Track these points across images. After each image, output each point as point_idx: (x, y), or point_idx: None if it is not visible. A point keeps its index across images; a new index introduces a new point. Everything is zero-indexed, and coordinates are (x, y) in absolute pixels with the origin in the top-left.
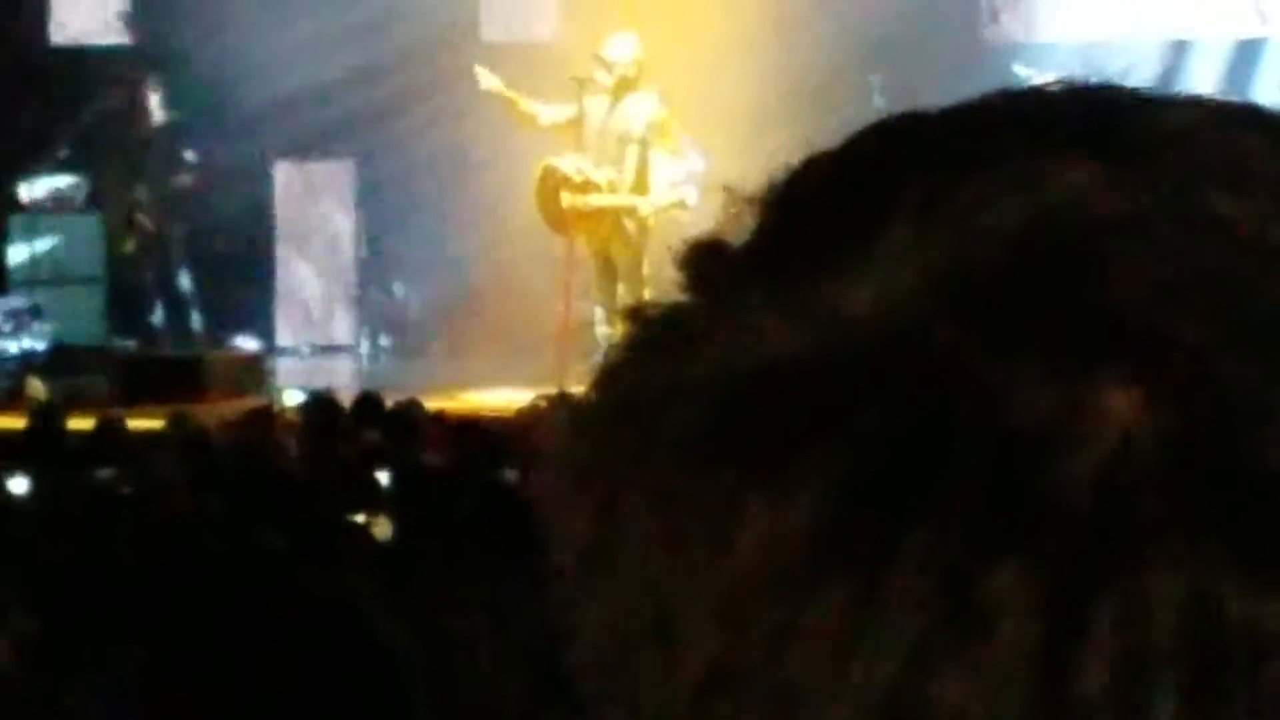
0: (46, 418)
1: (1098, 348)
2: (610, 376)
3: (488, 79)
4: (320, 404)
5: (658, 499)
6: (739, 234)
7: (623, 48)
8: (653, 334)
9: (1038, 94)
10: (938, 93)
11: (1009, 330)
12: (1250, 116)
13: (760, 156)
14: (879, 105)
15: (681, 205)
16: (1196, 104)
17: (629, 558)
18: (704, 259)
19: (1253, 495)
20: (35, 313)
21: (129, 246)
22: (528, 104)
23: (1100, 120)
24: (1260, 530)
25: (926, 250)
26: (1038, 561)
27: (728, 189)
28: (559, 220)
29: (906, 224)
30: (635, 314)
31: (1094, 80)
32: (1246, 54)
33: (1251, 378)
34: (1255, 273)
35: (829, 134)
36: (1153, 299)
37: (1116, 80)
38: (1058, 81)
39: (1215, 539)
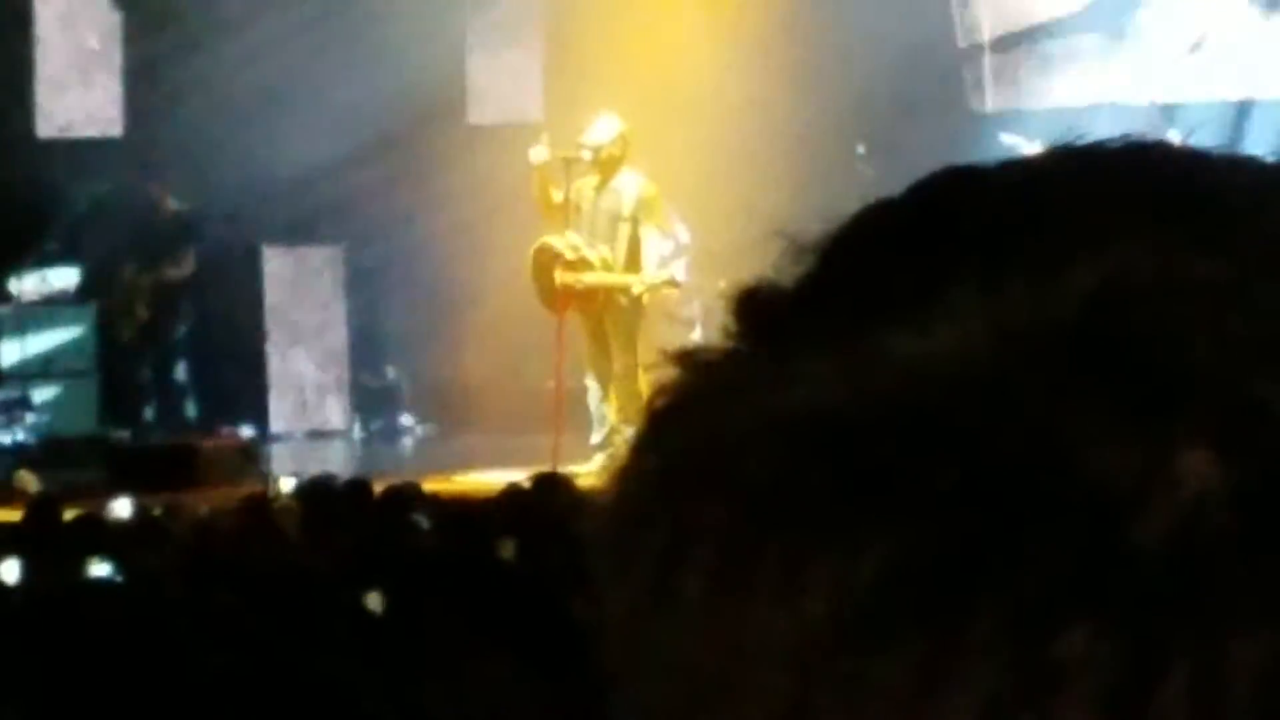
0: (41, 508)
1: (1175, 408)
2: (668, 422)
3: (538, 154)
4: (314, 489)
5: (725, 547)
6: (788, 282)
7: (604, 130)
8: (709, 380)
9: (1098, 152)
10: (924, 162)
11: (1086, 388)
12: None
13: (748, 229)
14: (866, 175)
15: (673, 283)
16: (1253, 165)
17: (694, 606)
18: (757, 306)
19: None
20: (26, 404)
21: (120, 337)
22: (551, 185)
23: (1164, 179)
24: None
25: (998, 303)
26: (1112, 623)
27: (782, 234)
28: (553, 298)
29: (974, 277)
30: (686, 359)
31: (1149, 139)
32: (1235, 116)
33: None
34: None
35: (816, 204)
36: (1231, 359)
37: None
38: (1118, 140)
39: None
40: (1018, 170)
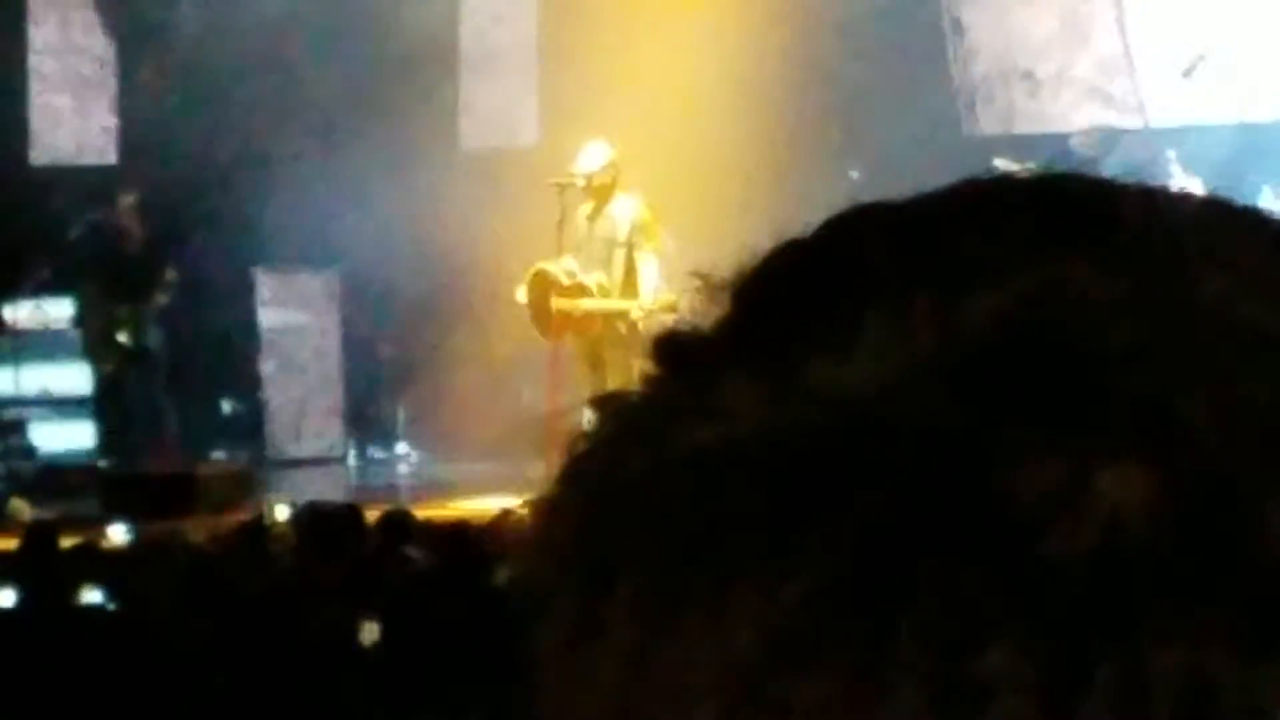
0: (37, 536)
1: (1094, 424)
2: (587, 460)
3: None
4: (308, 516)
5: (647, 580)
6: (709, 320)
7: (594, 156)
8: (629, 418)
9: (1006, 183)
10: (918, 186)
11: (1004, 407)
12: (1223, 205)
13: (741, 251)
14: (860, 199)
15: (671, 307)
16: (1154, 193)
17: (620, 638)
18: (676, 344)
19: (1247, 570)
20: (22, 433)
21: (114, 364)
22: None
23: (1067, 207)
24: (1254, 604)
25: (914, 329)
26: (1033, 639)
27: (699, 276)
28: (549, 324)
29: (886, 306)
30: (604, 402)
31: (1061, 169)
32: (1229, 140)
33: (1247, 456)
34: (1251, 354)
35: (811, 227)
36: (1149, 377)
37: (1088, 169)
38: (1025, 170)
39: (1209, 613)
40: (927, 204)
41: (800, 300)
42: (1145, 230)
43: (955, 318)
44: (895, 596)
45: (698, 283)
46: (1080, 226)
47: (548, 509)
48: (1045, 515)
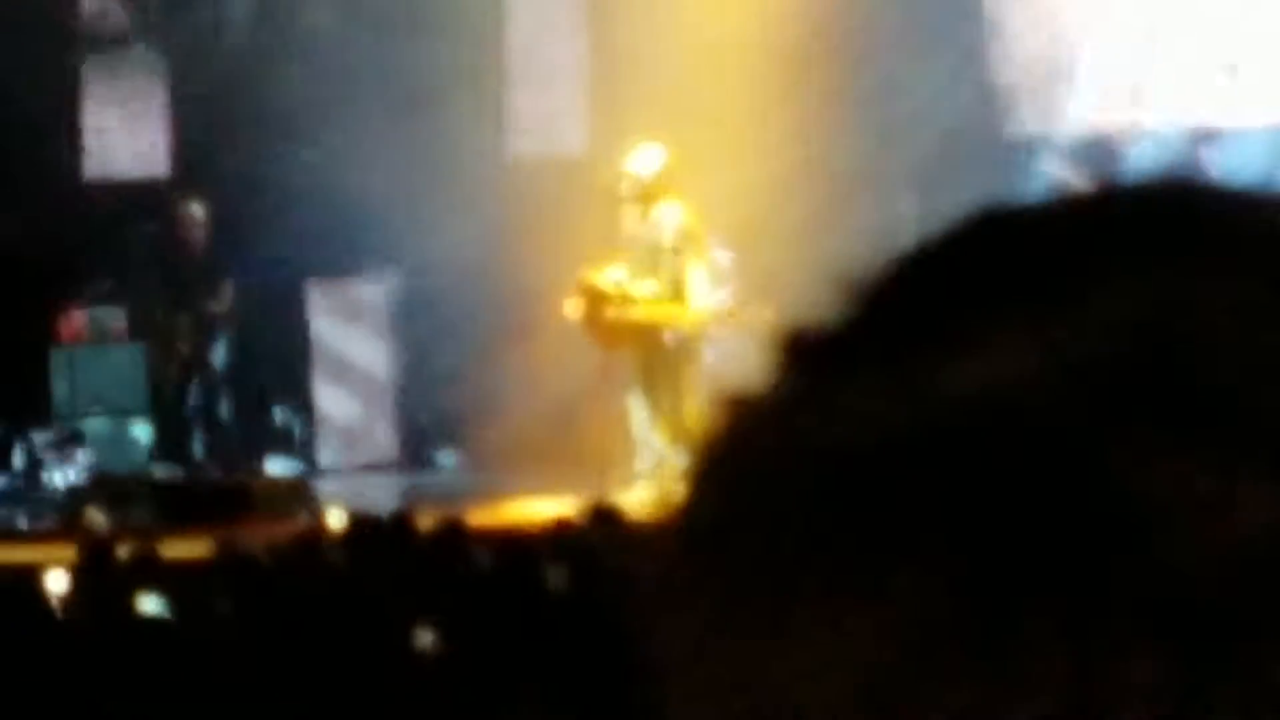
0: (96, 545)
1: (1230, 436)
2: (718, 462)
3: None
4: (363, 523)
5: (778, 588)
6: (838, 321)
7: (647, 160)
8: (759, 417)
9: (1137, 189)
10: (964, 190)
11: (1136, 412)
12: None
13: (790, 256)
14: (906, 202)
15: (721, 315)
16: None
17: (747, 646)
18: (806, 345)
19: None
20: (78, 443)
21: (169, 375)
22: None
23: (1206, 214)
24: None
25: (1047, 333)
26: (1167, 651)
27: (830, 279)
28: (599, 333)
29: (1021, 311)
30: (736, 399)
31: (1187, 174)
32: (1269, 142)
33: None
34: None
35: (859, 231)
36: None
37: (1127, 170)
38: (1155, 176)
39: None
40: (1058, 208)
41: (931, 303)
42: (1274, 238)
43: (1088, 323)
44: (1031, 603)
45: (748, 291)
46: (1212, 234)
47: (680, 506)
48: (1186, 531)
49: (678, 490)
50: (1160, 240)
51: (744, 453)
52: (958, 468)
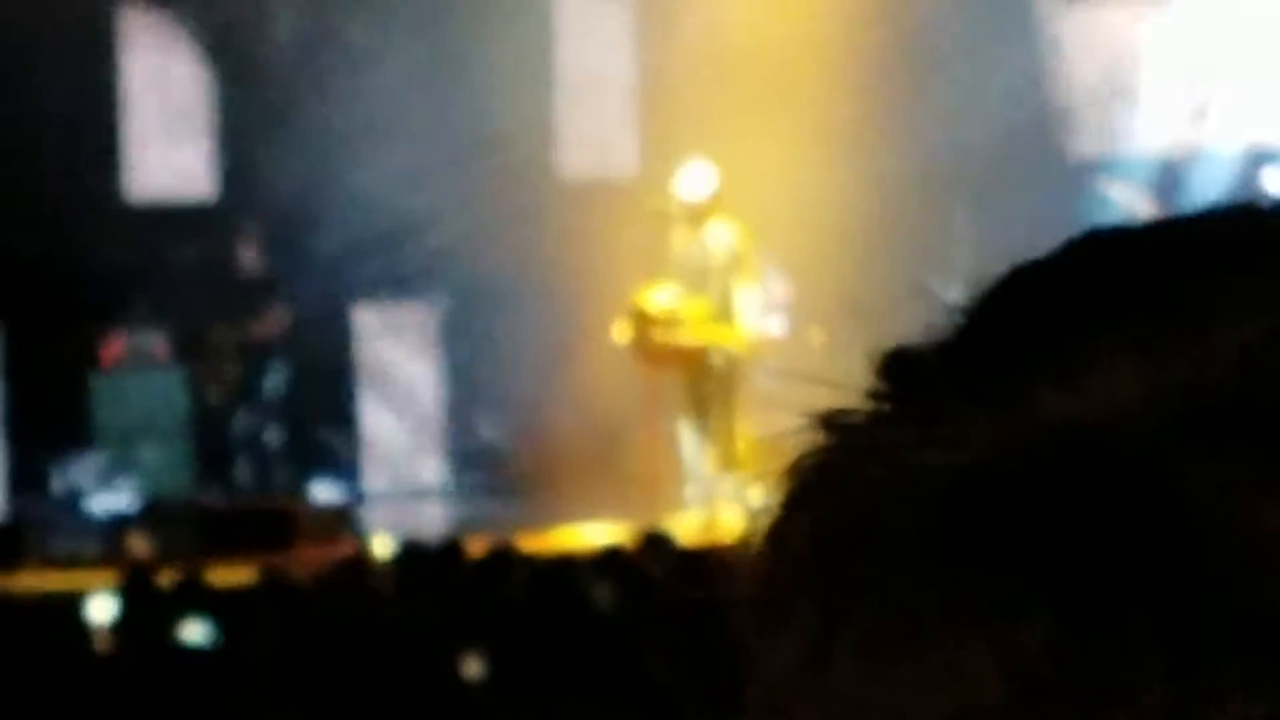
0: (139, 571)
1: None
2: (816, 484)
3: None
4: (410, 550)
5: (882, 611)
6: (938, 339)
7: (696, 181)
8: (857, 440)
9: (1255, 212)
10: (1020, 209)
11: (1245, 451)
12: None
13: (843, 278)
14: (961, 223)
15: (773, 339)
16: None
17: (850, 673)
18: (904, 365)
19: None
20: (121, 468)
21: (212, 398)
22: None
23: None
24: None
25: (1152, 362)
26: (1261, 691)
27: (924, 296)
28: (647, 355)
29: (1129, 336)
30: (832, 420)
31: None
32: None
33: None
34: None
35: (914, 253)
36: None
37: (1186, 190)
38: (1269, 200)
39: None
40: (1169, 231)
41: (1036, 324)
42: None
43: (1198, 354)
44: (1138, 645)
45: (799, 313)
46: None
47: (774, 533)
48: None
49: (758, 510)
50: (1275, 267)
51: (845, 475)
52: (1059, 503)
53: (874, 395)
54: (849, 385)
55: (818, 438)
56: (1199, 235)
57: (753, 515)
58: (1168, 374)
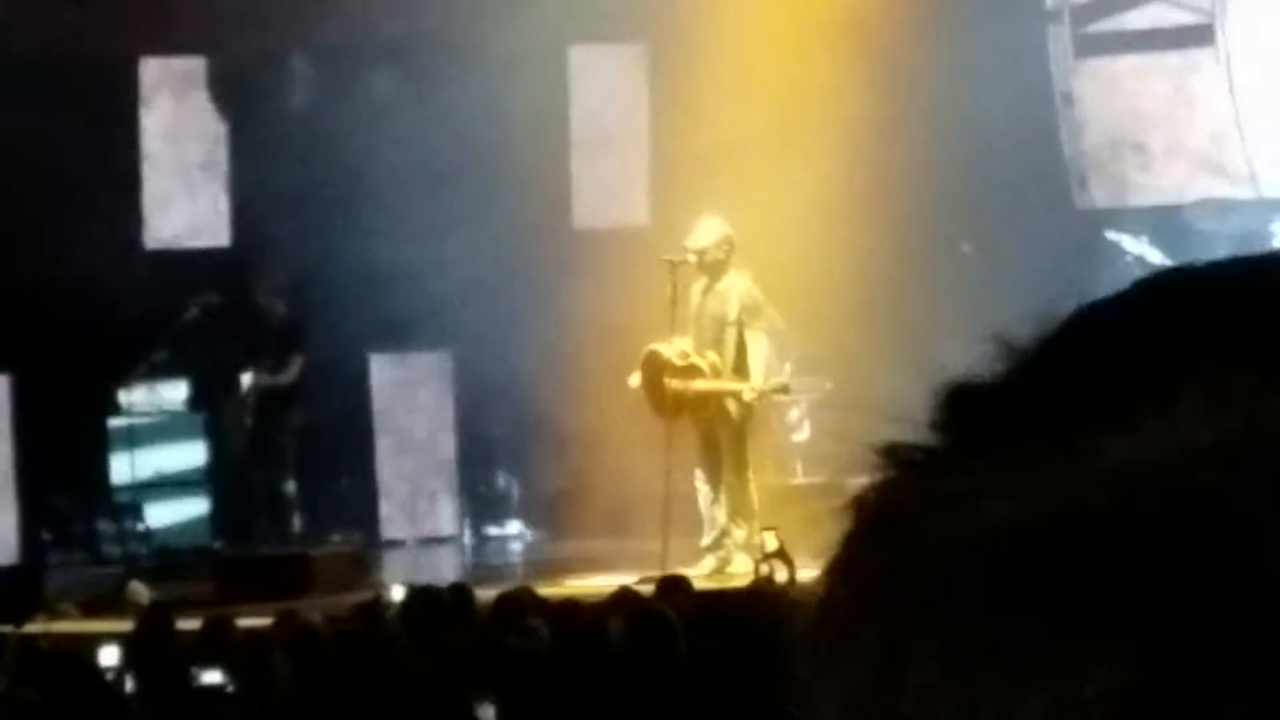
0: (154, 618)
1: None
2: (881, 523)
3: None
4: (423, 596)
5: (944, 658)
6: (996, 380)
7: (709, 233)
8: (922, 482)
9: None
10: (1030, 259)
11: None
12: None
13: (855, 328)
14: (971, 273)
15: (784, 389)
16: None
17: (911, 709)
18: (968, 404)
19: None
20: (138, 516)
21: (229, 447)
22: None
23: None
24: None
25: (1227, 411)
26: None
27: (995, 336)
28: (663, 404)
29: (1200, 381)
30: (894, 456)
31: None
32: None
33: None
34: None
35: (925, 303)
36: None
37: (1200, 242)
38: None
39: None
40: (1236, 273)
41: (1101, 366)
42: None
43: (1264, 404)
44: (1201, 699)
45: (811, 362)
46: None
47: (836, 573)
48: None
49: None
50: None
51: (913, 517)
52: (1123, 556)
53: (936, 430)
54: (904, 421)
55: (882, 472)
56: (1268, 279)
57: (765, 562)
58: (1235, 424)
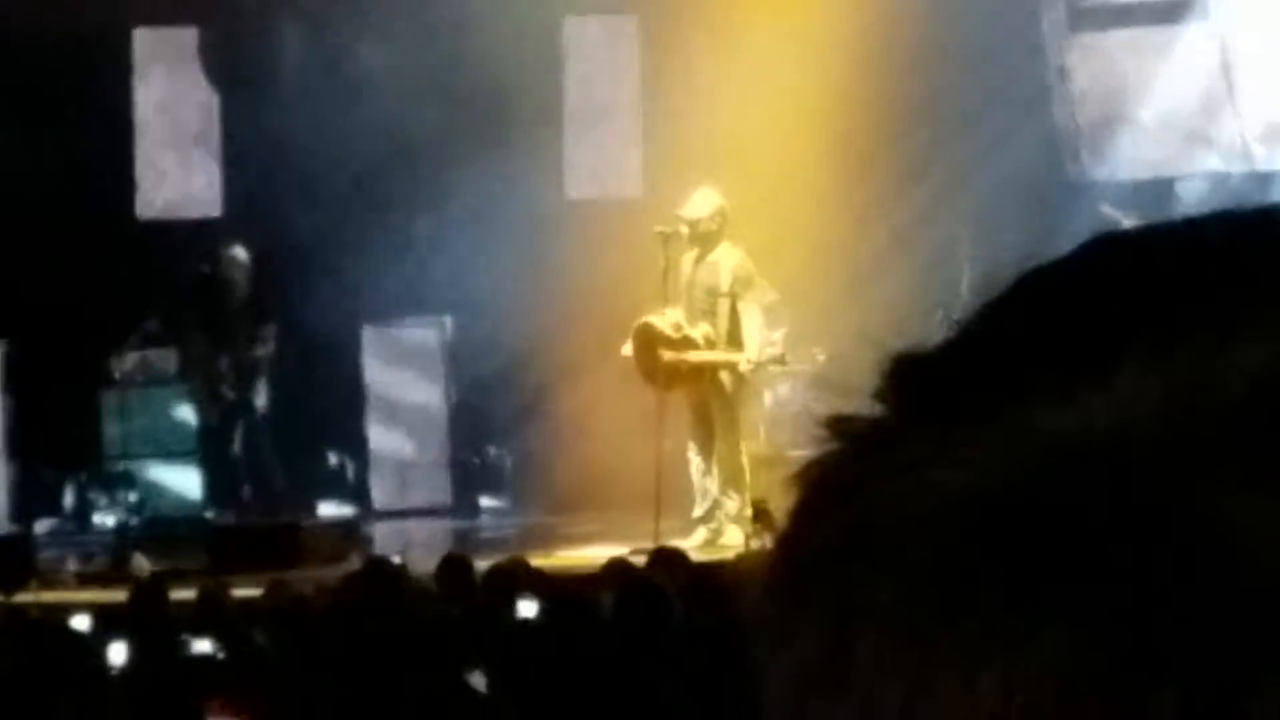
0: (148, 589)
1: None
2: (826, 495)
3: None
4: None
5: (893, 629)
6: (942, 348)
7: (703, 204)
8: (867, 453)
9: (1251, 221)
10: (1025, 232)
11: (1257, 471)
12: None
13: (847, 299)
14: (964, 245)
15: (779, 361)
16: None
17: (862, 687)
18: (912, 374)
19: None
20: (129, 486)
21: (220, 417)
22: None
23: None
24: None
25: (1166, 381)
26: None
27: (942, 309)
28: (656, 376)
29: (1140, 349)
30: (840, 428)
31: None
32: None
33: None
34: None
35: (916, 277)
36: None
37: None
38: (1271, 206)
39: None
40: (1182, 237)
41: (1046, 333)
42: None
43: (1209, 371)
44: (1148, 666)
45: (803, 334)
46: None
47: (784, 547)
48: None
49: (769, 523)
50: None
51: (856, 488)
52: (1071, 524)
53: (881, 401)
54: (855, 392)
55: (827, 444)
56: (1212, 244)
57: (758, 532)
58: (1181, 393)
